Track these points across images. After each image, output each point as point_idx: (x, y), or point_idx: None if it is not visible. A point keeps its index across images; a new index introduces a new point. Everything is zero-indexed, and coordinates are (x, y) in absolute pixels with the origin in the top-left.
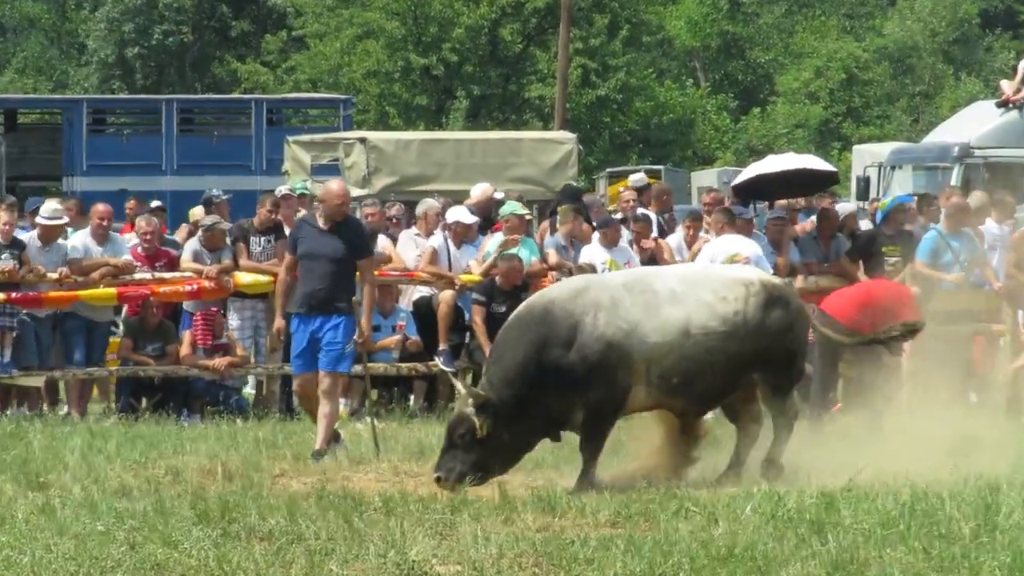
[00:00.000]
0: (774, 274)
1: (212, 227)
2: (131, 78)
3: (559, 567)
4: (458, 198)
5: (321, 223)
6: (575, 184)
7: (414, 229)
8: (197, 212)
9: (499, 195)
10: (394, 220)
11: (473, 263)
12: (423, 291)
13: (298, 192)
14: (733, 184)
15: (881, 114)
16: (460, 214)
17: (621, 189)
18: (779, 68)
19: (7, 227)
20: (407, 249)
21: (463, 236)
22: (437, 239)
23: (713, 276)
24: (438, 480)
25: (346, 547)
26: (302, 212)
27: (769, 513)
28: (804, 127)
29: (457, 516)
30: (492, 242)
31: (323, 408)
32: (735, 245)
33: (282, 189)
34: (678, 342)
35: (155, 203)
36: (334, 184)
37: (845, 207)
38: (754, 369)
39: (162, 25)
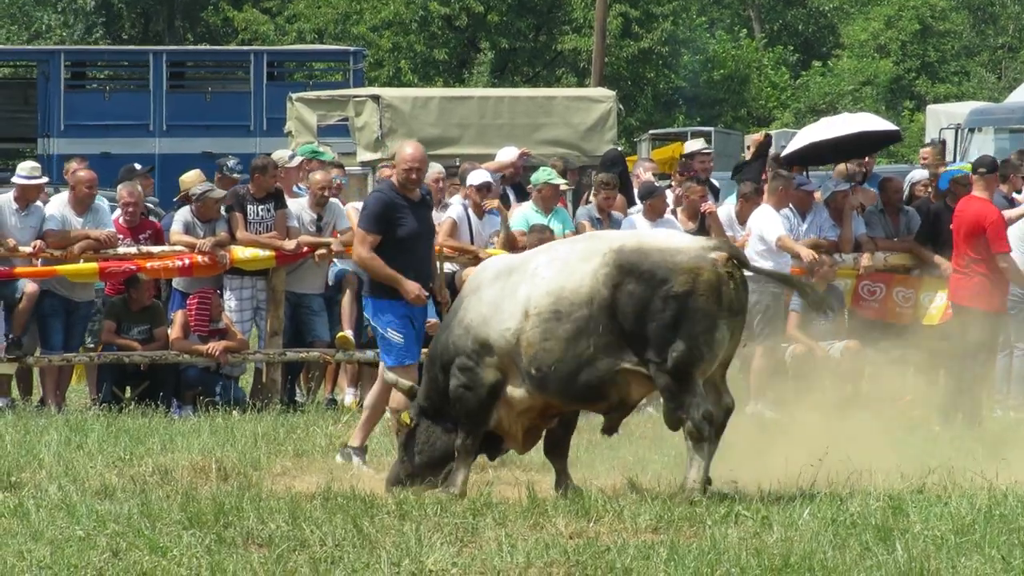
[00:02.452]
0: (833, 251)
1: (204, 195)
2: (113, 27)
3: None
4: (482, 163)
5: (410, 195)
6: (616, 148)
7: None
8: (190, 177)
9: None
10: None
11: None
12: (444, 267)
13: (308, 157)
14: (783, 155)
15: (959, 70)
16: (483, 178)
17: (684, 152)
18: (845, 17)
19: None
20: None
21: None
22: (456, 209)
23: (575, 246)
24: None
25: (355, 555)
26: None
27: (829, 518)
28: (872, 84)
29: (480, 520)
30: (518, 216)
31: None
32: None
33: (281, 153)
34: (522, 327)
35: (138, 165)
36: (412, 147)
37: (916, 174)
38: (625, 361)
39: None
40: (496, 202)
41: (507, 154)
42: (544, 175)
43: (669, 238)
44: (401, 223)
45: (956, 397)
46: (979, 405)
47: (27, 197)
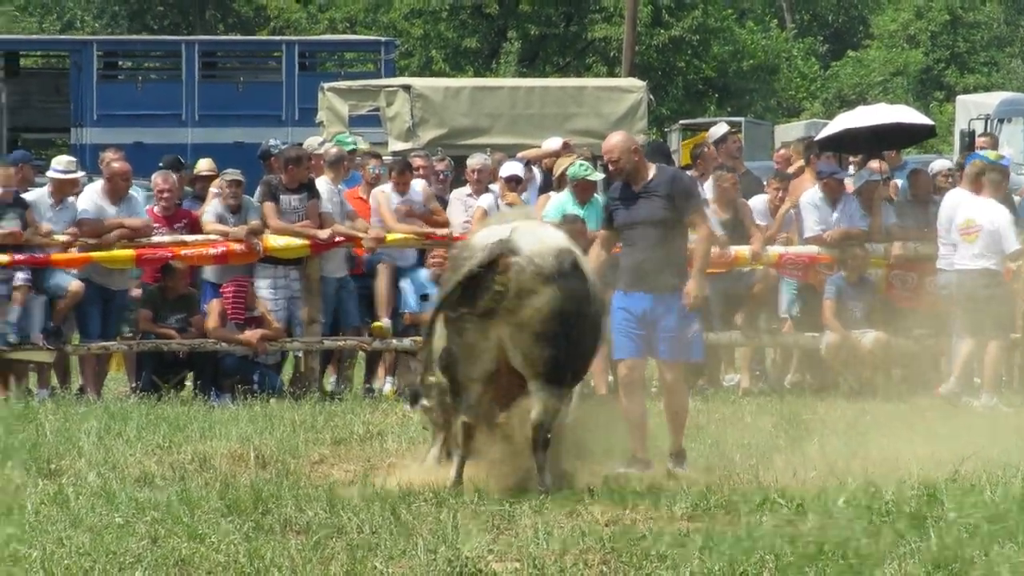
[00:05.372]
0: (864, 240)
1: (233, 184)
2: (141, 21)
3: (629, 565)
4: (512, 153)
5: (631, 184)
6: (660, 140)
7: (466, 188)
8: (203, 164)
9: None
10: (440, 176)
11: None
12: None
13: (348, 148)
14: (817, 138)
15: (988, 60)
16: (513, 170)
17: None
18: (875, 8)
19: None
20: (456, 211)
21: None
22: (487, 199)
23: None
24: None
25: (392, 542)
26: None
27: (864, 506)
28: (902, 74)
29: (516, 508)
30: (553, 206)
31: (668, 402)
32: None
33: (313, 139)
34: None
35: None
36: (612, 137)
37: (936, 164)
38: None
39: None
40: (514, 196)
41: (552, 143)
42: (581, 171)
43: (486, 233)
44: (616, 213)
45: None
46: None
47: (62, 191)
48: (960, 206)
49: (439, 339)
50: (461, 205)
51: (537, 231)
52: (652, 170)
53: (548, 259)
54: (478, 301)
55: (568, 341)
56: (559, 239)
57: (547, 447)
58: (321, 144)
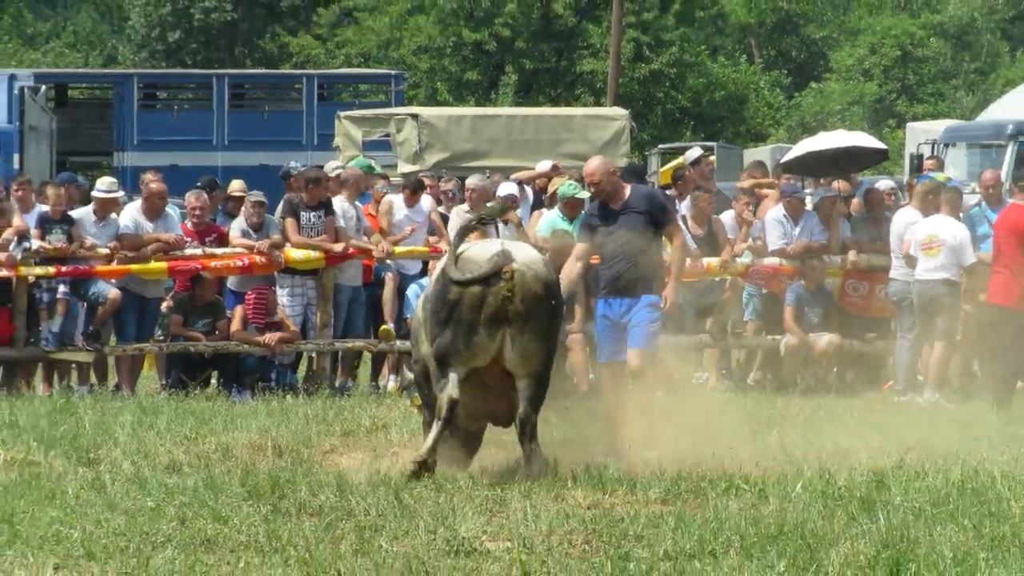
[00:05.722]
0: (822, 253)
1: (257, 204)
2: (176, 57)
3: (609, 544)
4: (509, 174)
5: (611, 204)
6: (635, 162)
7: (465, 205)
8: (235, 185)
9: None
10: (450, 195)
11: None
12: None
13: (375, 171)
14: (783, 161)
15: (935, 92)
16: (509, 190)
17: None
18: (833, 45)
19: (58, 203)
20: (456, 225)
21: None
22: None
23: None
24: None
25: (396, 523)
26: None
27: (819, 491)
28: (859, 104)
29: (507, 493)
30: (544, 222)
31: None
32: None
33: (332, 163)
34: None
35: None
36: (592, 161)
37: (881, 184)
38: None
39: (203, 2)
40: (513, 214)
41: (543, 166)
42: (570, 189)
43: (485, 247)
44: (597, 230)
45: (1001, 384)
46: (1012, 392)
47: (105, 209)
48: (918, 223)
49: (426, 341)
50: (460, 220)
51: (520, 245)
52: (628, 189)
53: (540, 265)
54: (485, 308)
55: (555, 338)
56: (536, 250)
57: (534, 438)
58: (334, 169)
